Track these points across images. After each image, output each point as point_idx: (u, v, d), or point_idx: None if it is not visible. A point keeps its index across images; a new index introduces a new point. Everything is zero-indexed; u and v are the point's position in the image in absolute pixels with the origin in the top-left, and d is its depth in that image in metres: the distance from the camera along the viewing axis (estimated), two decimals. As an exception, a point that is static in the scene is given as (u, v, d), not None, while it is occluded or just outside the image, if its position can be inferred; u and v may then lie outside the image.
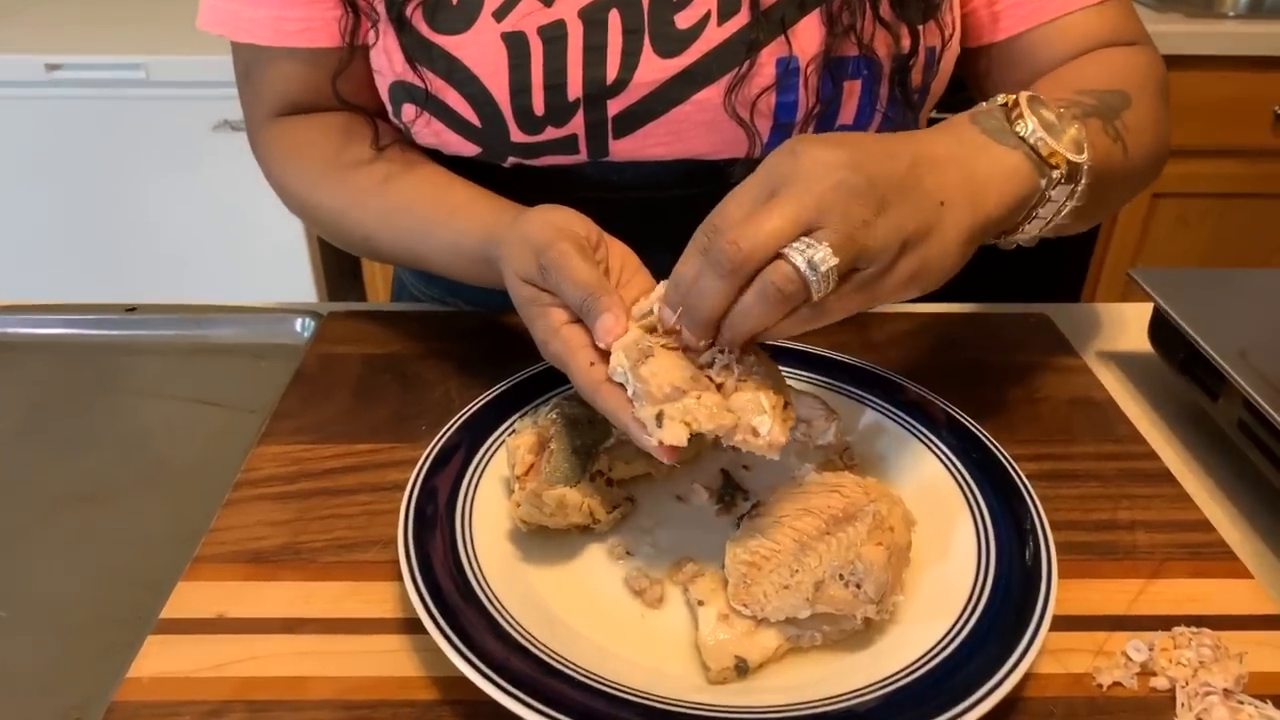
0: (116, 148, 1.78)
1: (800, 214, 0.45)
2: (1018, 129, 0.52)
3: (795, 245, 0.45)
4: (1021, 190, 0.52)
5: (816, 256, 0.44)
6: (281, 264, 1.89)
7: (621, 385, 0.50)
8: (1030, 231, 0.56)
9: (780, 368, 0.67)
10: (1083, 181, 0.54)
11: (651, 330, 0.51)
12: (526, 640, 0.47)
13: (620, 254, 0.58)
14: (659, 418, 0.48)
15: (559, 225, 0.56)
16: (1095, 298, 1.97)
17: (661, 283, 0.54)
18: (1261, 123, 1.82)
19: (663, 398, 0.48)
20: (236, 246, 1.85)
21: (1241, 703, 0.46)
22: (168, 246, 1.85)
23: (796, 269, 0.44)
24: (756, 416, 0.48)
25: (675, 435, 0.47)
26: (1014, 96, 0.54)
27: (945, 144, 0.51)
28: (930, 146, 0.50)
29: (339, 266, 2.03)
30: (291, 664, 0.49)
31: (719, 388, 0.49)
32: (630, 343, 0.50)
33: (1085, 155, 0.53)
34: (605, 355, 0.52)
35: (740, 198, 0.47)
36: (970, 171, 0.50)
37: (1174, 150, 0.71)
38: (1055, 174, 0.52)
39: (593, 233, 0.57)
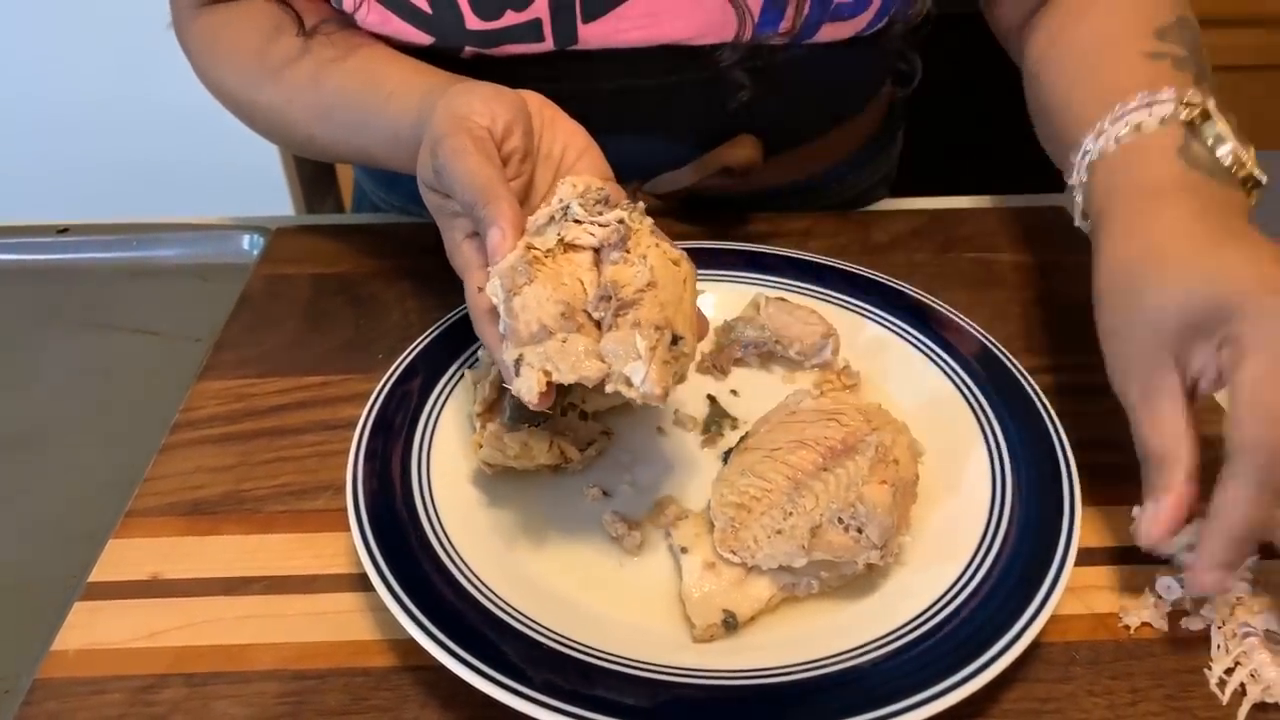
0: (53, 47, 1.66)
1: None
2: (1220, 157, 0.48)
3: None
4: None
5: None
6: (251, 174, 1.80)
7: None
8: None
9: (767, 276, 0.62)
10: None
11: (544, 249, 0.44)
12: (490, 600, 0.42)
13: (565, 134, 0.52)
14: (518, 363, 0.41)
15: (459, 114, 0.48)
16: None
17: (565, 179, 0.47)
18: (1282, -12, 1.70)
19: (528, 338, 0.41)
20: (198, 157, 1.75)
21: (1287, 646, 0.41)
22: (116, 159, 1.74)
23: None
24: (630, 364, 0.41)
25: (529, 388, 0.41)
26: (1193, 106, 0.49)
27: None
28: None
29: (313, 174, 1.94)
30: (233, 630, 0.44)
31: (598, 324, 0.42)
32: (507, 267, 0.43)
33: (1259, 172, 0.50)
34: None
35: None
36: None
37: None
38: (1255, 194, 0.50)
39: (500, 118, 0.49)
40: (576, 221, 0.44)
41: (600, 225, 0.44)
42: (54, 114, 1.74)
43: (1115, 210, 0.50)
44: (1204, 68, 0.55)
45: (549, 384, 0.41)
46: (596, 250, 0.44)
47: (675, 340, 0.42)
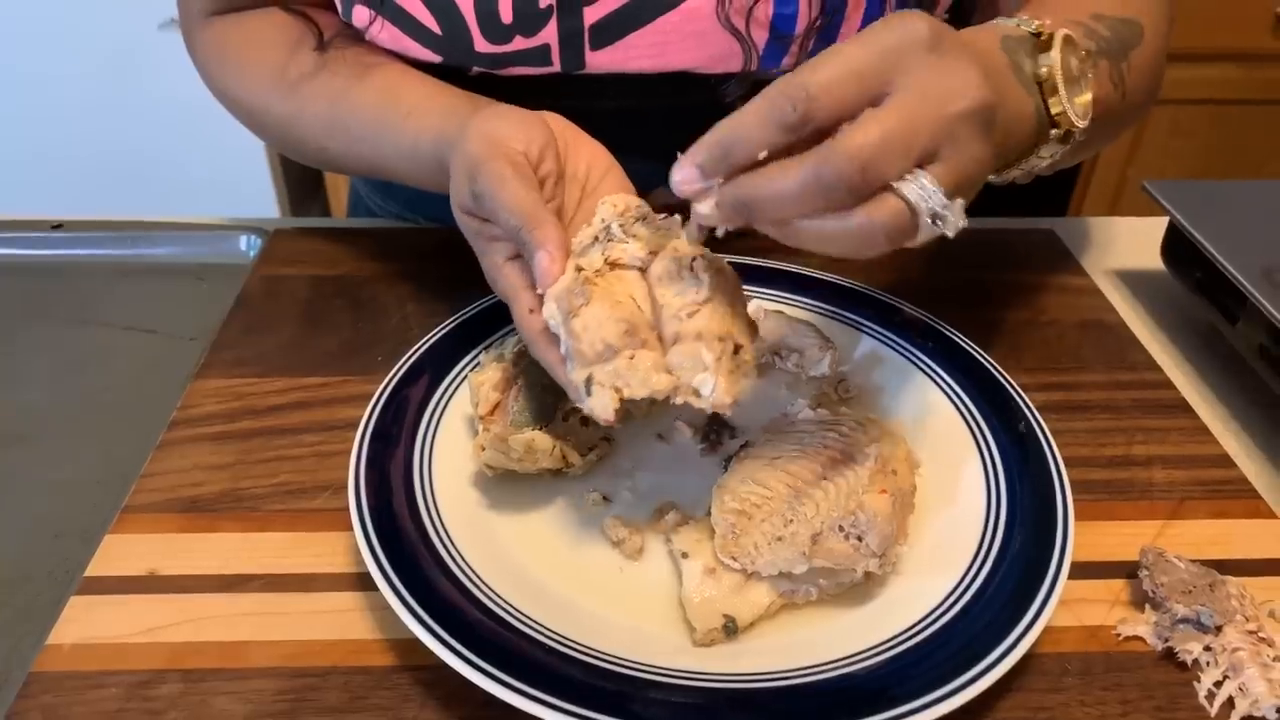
0: (49, 47, 1.65)
1: (928, 142, 0.38)
2: (1040, 69, 0.47)
3: (911, 180, 0.37)
4: (1024, 140, 0.47)
5: (948, 214, 0.38)
6: (238, 176, 1.79)
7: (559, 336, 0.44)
8: (1006, 177, 0.52)
9: (767, 290, 0.63)
10: (1070, 144, 0.49)
11: (592, 270, 0.44)
12: (491, 599, 0.42)
13: (588, 154, 0.52)
14: (588, 383, 0.42)
15: (495, 139, 0.49)
16: (1084, 210, 1.92)
17: (605, 200, 0.48)
18: (1261, 25, 1.74)
19: (594, 357, 0.42)
20: (188, 157, 1.74)
21: (1276, 659, 0.42)
22: (107, 157, 1.73)
23: (914, 213, 0.38)
24: (698, 375, 0.41)
25: (604, 405, 0.41)
26: (1049, 29, 0.48)
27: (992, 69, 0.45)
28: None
29: (300, 178, 1.93)
30: (231, 627, 0.44)
31: (660, 337, 0.43)
32: (563, 290, 0.44)
33: (1084, 124, 0.48)
34: None
35: (844, 79, 0.38)
36: (1009, 111, 0.45)
37: (1168, 55, 0.65)
38: (1054, 133, 0.48)
39: (535, 143, 0.49)
40: (620, 241, 0.45)
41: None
42: (48, 110, 1.73)
43: None
44: (1116, 53, 0.55)
45: (622, 400, 0.41)
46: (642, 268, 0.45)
47: (736, 349, 0.42)
